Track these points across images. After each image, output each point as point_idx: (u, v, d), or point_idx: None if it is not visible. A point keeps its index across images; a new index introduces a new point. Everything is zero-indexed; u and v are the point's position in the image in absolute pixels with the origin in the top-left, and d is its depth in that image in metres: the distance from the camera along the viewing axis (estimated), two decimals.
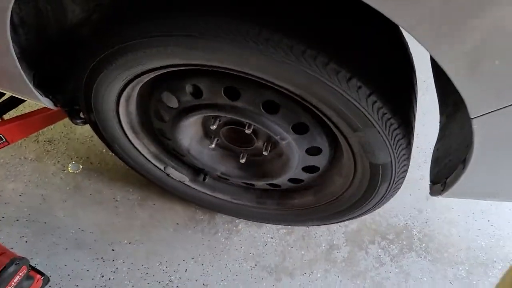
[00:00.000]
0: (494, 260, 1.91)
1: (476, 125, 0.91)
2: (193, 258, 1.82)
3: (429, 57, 1.37)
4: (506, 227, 2.00)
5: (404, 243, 1.93)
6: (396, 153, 1.13)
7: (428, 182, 1.36)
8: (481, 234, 1.98)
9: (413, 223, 1.99)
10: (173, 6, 0.97)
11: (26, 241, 1.79)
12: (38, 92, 1.34)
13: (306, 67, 0.89)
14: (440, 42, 0.75)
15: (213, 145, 1.44)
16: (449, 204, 2.06)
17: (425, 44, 0.77)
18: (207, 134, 1.47)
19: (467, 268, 1.88)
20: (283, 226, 1.92)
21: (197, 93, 1.19)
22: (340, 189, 1.38)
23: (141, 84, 1.24)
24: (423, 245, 1.93)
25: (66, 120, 1.55)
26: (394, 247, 1.92)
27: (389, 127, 1.03)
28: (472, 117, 0.89)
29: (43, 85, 1.36)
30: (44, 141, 2.09)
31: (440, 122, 1.40)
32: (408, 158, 1.19)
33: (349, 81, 0.91)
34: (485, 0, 0.67)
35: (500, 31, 0.70)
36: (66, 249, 1.79)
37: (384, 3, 0.72)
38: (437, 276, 1.85)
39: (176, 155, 1.62)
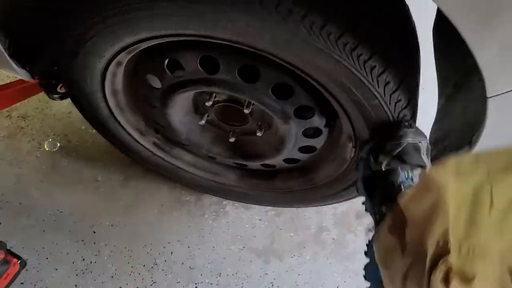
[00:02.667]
0: None
1: (491, 104, 0.87)
2: (179, 241, 1.76)
3: (431, 32, 1.33)
4: None
5: None
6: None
7: None
8: None
9: None
10: None
11: (0, 223, 1.69)
12: (14, 63, 1.23)
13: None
14: (470, 19, 0.70)
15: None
16: None
17: (455, 21, 0.71)
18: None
19: None
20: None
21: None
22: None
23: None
24: None
25: (41, 94, 1.43)
26: None
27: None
28: (489, 96, 0.85)
29: (20, 55, 1.25)
30: (18, 117, 1.95)
31: (438, 103, 1.37)
32: None
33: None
34: None
35: None
36: (44, 231, 1.70)
37: None
38: None
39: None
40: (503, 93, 0.83)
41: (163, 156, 1.61)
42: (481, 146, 0.99)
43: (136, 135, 1.51)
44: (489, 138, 0.97)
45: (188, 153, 1.63)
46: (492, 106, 0.88)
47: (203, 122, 1.35)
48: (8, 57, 1.20)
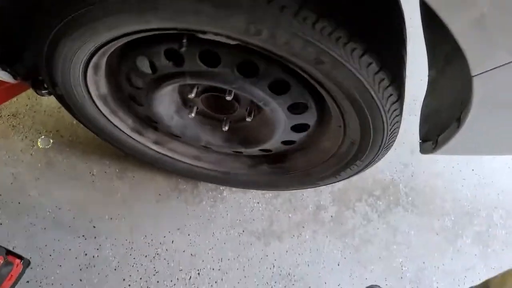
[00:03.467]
0: (478, 208, 1.93)
1: (476, 82, 0.85)
2: (178, 229, 1.77)
3: (418, 3, 1.29)
4: (490, 175, 2.02)
5: (391, 198, 1.93)
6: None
7: (418, 140, 1.32)
8: (466, 184, 1.99)
9: (399, 177, 1.98)
10: None
11: (1, 223, 1.70)
12: None
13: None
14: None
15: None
16: (434, 156, 2.04)
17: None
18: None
19: (452, 218, 1.90)
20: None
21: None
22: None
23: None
24: (410, 199, 1.93)
25: (30, 91, 1.42)
26: (381, 203, 1.91)
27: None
28: (474, 74, 0.83)
29: None
30: (8, 115, 1.94)
31: (428, 76, 1.34)
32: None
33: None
34: None
35: None
36: (45, 229, 1.71)
37: None
38: (424, 229, 1.87)
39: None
40: (487, 71, 0.81)
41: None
42: (470, 124, 0.98)
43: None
44: (477, 117, 0.95)
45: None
46: (477, 84, 0.85)
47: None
48: None
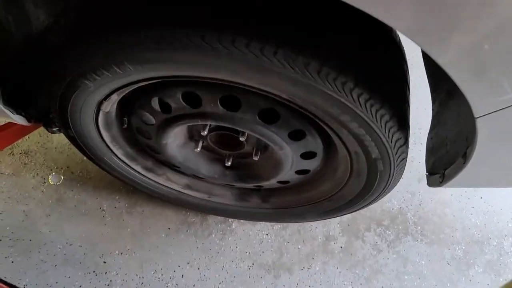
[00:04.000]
0: (489, 237, 1.92)
1: (480, 123, 0.86)
2: (188, 263, 1.77)
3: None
4: (499, 202, 2.01)
5: (400, 227, 1.92)
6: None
7: (425, 172, 1.33)
8: (475, 212, 1.98)
9: (407, 206, 1.98)
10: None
11: (12, 261, 1.71)
12: (9, 110, 1.24)
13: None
14: (442, 44, 0.70)
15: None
16: None
17: (425, 47, 0.71)
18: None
19: (463, 247, 1.89)
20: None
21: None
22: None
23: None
24: (419, 228, 1.92)
25: (42, 128, 1.46)
26: (390, 232, 1.91)
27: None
28: (476, 116, 0.85)
29: (13, 101, 1.26)
30: (20, 153, 1.98)
31: (432, 109, 1.36)
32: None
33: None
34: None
35: (503, 29, 0.65)
36: (55, 266, 1.72)
37: (375, 5, 0.65)
38: (435, 258, 1.85)
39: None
40: (489, 113, 0.83)
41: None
42: (476, 160, 0.99)
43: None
44: (482, 154, 0.96)
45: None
46: (481, 125, 0.87)
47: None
48: (2, 106, 1.21)
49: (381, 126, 0.99)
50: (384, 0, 0.64)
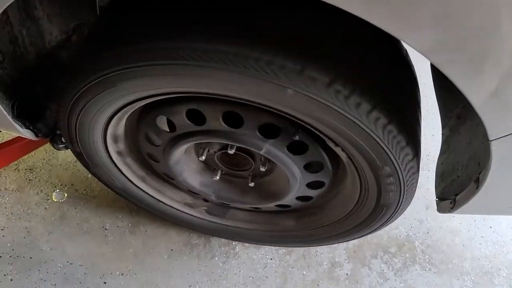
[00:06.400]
0: (499, 268, 1.87)
1: (494, 146, 0.85)
2: (190, 286, 1.73)
3: (430, 68, 1.32)
4: (509, 232, 1.97)
5: (407, 255, 1.88)
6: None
7: (434, 198, 1.31)
8: (484, 241, 1.94)
9: (414, 234, 1.94)
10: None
11: (11, 279, 1.68)
12: (18, 124, 1.24)
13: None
14: (461, 67, 0.69)
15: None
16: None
17: (443, 68, 0.71)
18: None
19: (472, 278, 1.84)
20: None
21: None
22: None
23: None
24: (427, 256, 1.88)
25: (48, 145, 1.45)
26: (397, 260, 1.87)
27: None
28: (491, 139, 0.83)
29: (23, 115, 1.27)
30: (25, 169, 1.97)
31: (442, 134, 1.35)
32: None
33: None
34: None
35: None
36: (55, 285, 1.68)
37: (393, 24, 0.65)
38: None
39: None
40: (505, 136, 0.82)
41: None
42: (489, 186, 0.97)
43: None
44: (496, 178, 0.94)
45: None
46: (495, 148, 0.86)
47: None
48: (11, 119, 1.21)
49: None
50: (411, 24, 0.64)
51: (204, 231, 1.78)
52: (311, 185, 1.28)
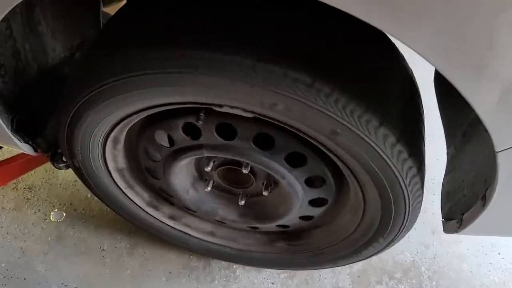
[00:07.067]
0: None
1: (501, 158, 0.83)
2: None
3: (433, 86, 1.32)
4: None
5: (413, 281, 1.82)
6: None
7: (441, 219, 1.27)
8: (493, 268, 1.87)
9: (420, 259, 1.88)
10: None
11: None
12: (17, 138, 1.23)
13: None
14: (467, 75, 0.68)
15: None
16: (456, 237, 1.96)
17: (451, 78, 0.69)
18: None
19: None
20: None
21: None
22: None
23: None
24: (434, 283, 1.82)
25: (48, 164, 1.44)
26: (402, 286, 1.80)
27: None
28: (498, 150, 0.81)
29: (22, 130, 1.26)
30: (24, 188, 1.95)
31: (447, 153, 1.33)
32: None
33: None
34: None
35: None
36: None
37: (402, 32, 0.64)
38: None
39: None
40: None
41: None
42: (497, 202, 0.94)
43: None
44: (504, 194, 0.91)
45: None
46: (502, 160, 0.83)
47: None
48: (10, 133, 1.20)
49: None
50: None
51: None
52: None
